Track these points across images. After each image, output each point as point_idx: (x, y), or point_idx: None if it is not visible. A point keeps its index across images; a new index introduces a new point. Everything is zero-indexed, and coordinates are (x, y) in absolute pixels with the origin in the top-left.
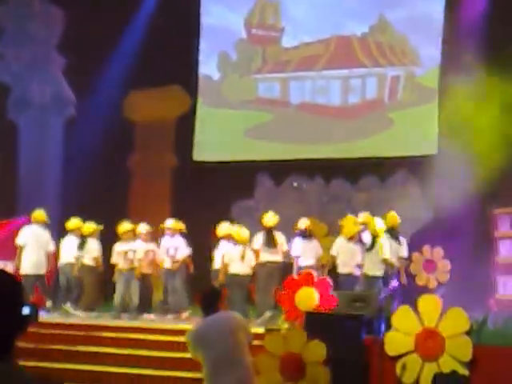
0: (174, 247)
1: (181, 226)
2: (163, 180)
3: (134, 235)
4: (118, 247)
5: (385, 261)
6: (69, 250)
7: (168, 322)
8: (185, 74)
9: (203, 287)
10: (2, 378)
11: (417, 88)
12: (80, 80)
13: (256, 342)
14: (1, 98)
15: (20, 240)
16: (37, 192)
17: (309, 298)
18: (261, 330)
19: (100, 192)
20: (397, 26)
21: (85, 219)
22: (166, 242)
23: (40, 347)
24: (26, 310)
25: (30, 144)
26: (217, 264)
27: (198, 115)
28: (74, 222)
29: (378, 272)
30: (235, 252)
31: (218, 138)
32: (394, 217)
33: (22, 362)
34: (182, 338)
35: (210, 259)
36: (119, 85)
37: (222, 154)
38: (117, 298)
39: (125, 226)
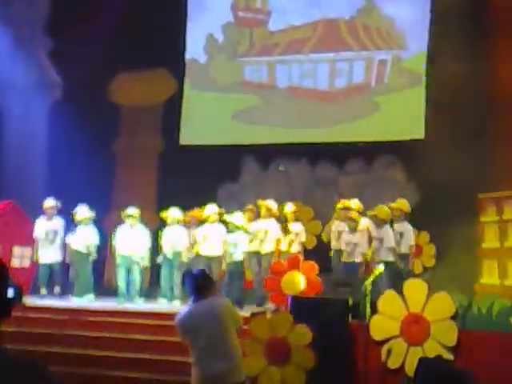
0: (176, 238)
1: (180, 217)
2: (149, 164)
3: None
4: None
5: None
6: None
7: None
8: (171, 57)
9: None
10: None
11: (404, 72)
12: (65, 63)
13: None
14: None
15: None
16: (21, 176)
17: (295, 282)
18: (247, 314)
19: (86, 176)
20: (384, 10)
21: (70, 204)
22: (168, 232)
23: (25, 331)
24: (10, 293)
25: (14, 127)
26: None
27: (184, 98)
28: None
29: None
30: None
31: (204, 122)
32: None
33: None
34: (169, 322)
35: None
36: (105, 68)
37: (208, 137)
38: (121, 283)
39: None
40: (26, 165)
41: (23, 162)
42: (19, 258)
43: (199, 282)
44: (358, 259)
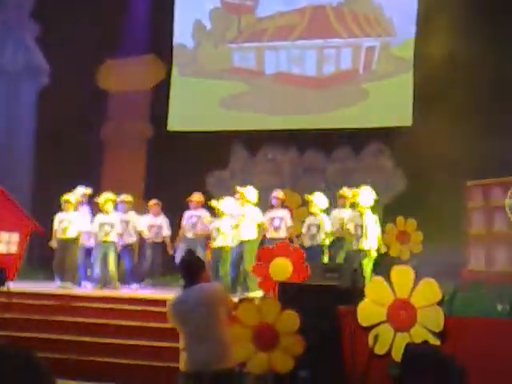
0: (158, 227)
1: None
2: (138, 150)
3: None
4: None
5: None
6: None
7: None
8: (159, 43)
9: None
10: None
11: (391, 59)
12: (53, 48)
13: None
14: None
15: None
16: (8, 161)
17: (283, 268)
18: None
19: (73, 162)
20: None
21: (57, 190)
22: (149, 220)
23: (12, 317)
24: None
25: (1, 112)
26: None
27: (172, 84)
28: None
29: None
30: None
31: (192, 108)
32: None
33: None
34: (158, 308)
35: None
36: (93, 53)
37: (196, 123)
38: (97, 270)
39: (104, 197)
40: (13, 150)
41: (10, 146)
42: (6, 243)
43: (189, 266)
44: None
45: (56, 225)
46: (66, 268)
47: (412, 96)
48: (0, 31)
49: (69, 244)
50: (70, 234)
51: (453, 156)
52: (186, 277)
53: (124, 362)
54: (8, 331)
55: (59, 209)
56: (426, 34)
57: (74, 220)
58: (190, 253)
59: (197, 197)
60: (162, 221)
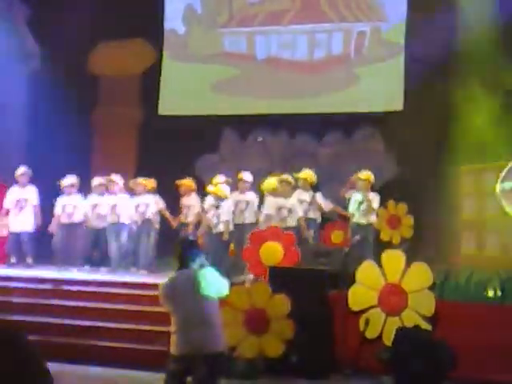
0: (145, 204)
1: (152, 183)
2: (129, 134)
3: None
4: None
5: None
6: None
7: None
8: (150, 28)
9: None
10: None
11: (383, 43)
12: (44, 32)
13: None
14: None
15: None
16: None
17: (273, 252)
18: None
19: (64, 146)
20: None
21: (49, 174)
22: (136, 199)
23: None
24: None
25: None
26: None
27: (163, 69)
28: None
29: None
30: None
31: (183, 92)
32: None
33: None
34: (148, 292)
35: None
36: (83, 38)
37: (187, 108)
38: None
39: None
40: (2, 134)
41: (1, 132)
42: None
43: (183, 249)
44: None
45: (59, 210)
46: (70, 252)
47: (403, 80)
48: None
49: (73, 228)
50: (77, 218)
51: (444, 140)
52: (180, 260)
53: (113, 345)
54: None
55: (52, 192)
56: (416, 17)
57: (79, 204)
58: (185, 237)
59: (187, 182)
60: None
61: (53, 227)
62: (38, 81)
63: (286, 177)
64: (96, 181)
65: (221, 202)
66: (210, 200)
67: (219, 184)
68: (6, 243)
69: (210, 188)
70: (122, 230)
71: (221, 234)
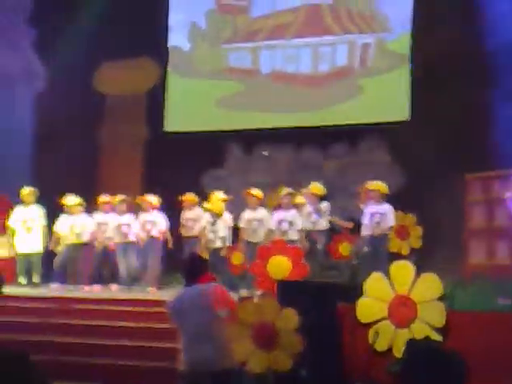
0: (151, 222)
1: (157, 201)
2: (134, 151)
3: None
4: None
5: None
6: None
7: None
8: (154, 45)
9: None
10: None
11: (388, 54)
12: (49, 52)
13: None
14: None
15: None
16: (4, 165)
17: (281, 266)
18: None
19: (70, 165)
20: None
21: (55, 194)
22: (143, 216)
23: (4, 320)
24: None
25: None
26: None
27: (168, 86)
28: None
29: None
30: None
31: (188, 109)
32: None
33: None
34: (157, 309)
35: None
36: (89, 57)
37: (192, 124)
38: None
39: (102, 198)
40: (9, 154)
41: (6, 151)
42: (1, 247)
43: (191, 266)
44: None
45: (64, 229)
46: (74, 271)
47: (409, 91)
48: None
49: (79, 247)
50: (84, 238)
51: (450, 150)
52: (188, 277)
53: (120, 363)
54: (3, 334)
55: (56, 212)
56: (421, 27)
57: (86, 223)
58: (194, 253)
59: (190, 196)
60: (130, 219)
61: (53, 245)
62: (44, 101)
63: (288, 190)
64: (102, 199)
65: (217, 219)
66: (206, 216)
67: (216, 200)
68: (12, 264)
69: (206, 205)
70: (130, 248)
71: (219, 249)
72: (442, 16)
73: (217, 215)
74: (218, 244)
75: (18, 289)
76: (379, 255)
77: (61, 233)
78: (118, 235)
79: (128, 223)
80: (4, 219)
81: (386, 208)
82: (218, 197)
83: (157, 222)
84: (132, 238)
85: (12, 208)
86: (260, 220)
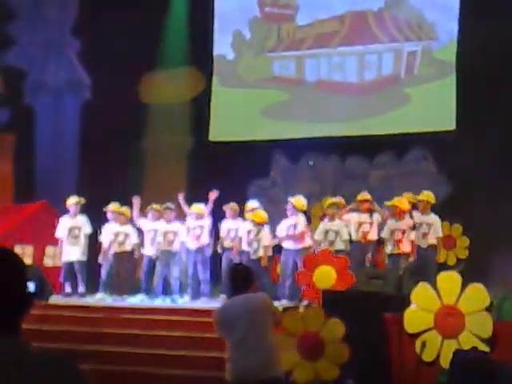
0: (199, 230)
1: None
2: (179, 161)
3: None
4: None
5: None
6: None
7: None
8: (199, 55)
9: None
10: (3, 356)
11: (434, 62)
12: (94, 63)
13: None
14: (17, 82)
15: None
16: (53, 175)
17: (326, 276)
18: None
19: (115, 175)
20: (412, 0)
21: (100, 203)
22: (191, 223)
23: (48, 329)
24: (31, 287)
25: (46, 128)
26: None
27: (213, 96)
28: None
29: None
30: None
31: (233, 118)
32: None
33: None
34: (203, 318)
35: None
36: (134, 67)
37: (237, 133)
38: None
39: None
40: (58, 165)
41: (55, 162)
42: (52, 257)
43: (236, 276)
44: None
45: (109, 238)
46: (119, 280)
47: (455, 99)
48: (43, 48)
49: (125, 256)
50: (129, 246)
51: (499, 159)
52: (235, 286)
53: (167, 372)
54: (46, 343)
55: (101, 221)
56: (468, 35)
57: (131, 233)
58: (240, 263)
59: (233, 206)
60: (130, 230)
61: (102, 258)
62: (90, 111)
63: (335, 199)
64: (150, 208)
65: (262, 227)
66: (247, 225)
67: (256, 210)
68: (60, 273)
69: (248, 213)
70: (175, 257)
71: (259, 259)
72: (490, 24)
73: (259, 225)
74: (261, 253)
75: (64, 298)
76: (427, 266)
77: (105, 242)
78: (165, 243)
79: (175, 230)
80: (51, 229)
81: (433, 219)
82: (255, 206)
83: (204, 230)
84: (177, 247)
85: (58, 217)
86: (337, 231)
